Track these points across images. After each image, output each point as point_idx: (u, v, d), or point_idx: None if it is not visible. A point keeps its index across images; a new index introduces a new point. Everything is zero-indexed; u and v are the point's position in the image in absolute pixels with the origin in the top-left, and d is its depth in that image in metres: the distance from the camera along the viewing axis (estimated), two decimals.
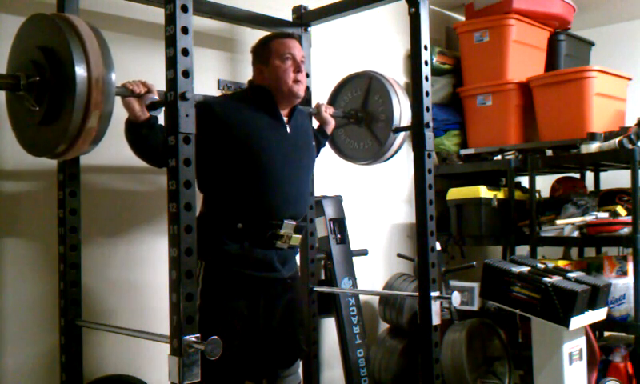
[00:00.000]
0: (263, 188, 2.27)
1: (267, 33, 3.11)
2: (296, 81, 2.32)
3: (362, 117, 2.96)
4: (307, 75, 3.08)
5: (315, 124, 2.86)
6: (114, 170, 2.63)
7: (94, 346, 2.49)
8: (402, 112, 2.83)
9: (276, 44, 2.34)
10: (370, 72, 2.96)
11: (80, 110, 1.77)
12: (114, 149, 2.43)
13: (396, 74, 4.05)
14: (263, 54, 2.35)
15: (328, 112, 2.84)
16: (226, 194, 2.26)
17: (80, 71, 1.75)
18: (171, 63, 1.81)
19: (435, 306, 2.44)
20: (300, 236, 2.34)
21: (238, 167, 2.25)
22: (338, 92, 3.06)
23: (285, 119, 2.37)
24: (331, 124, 2.86)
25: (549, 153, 3.80)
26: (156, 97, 2.07)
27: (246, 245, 2.23)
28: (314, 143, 2.60)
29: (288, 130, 2.37)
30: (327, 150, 3.48)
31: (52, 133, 1.85)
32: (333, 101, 3.07)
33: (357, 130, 3.00)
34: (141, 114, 2.05)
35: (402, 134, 2.87)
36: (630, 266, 3.31)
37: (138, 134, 2.08)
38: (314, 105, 2.90)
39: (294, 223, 2.31)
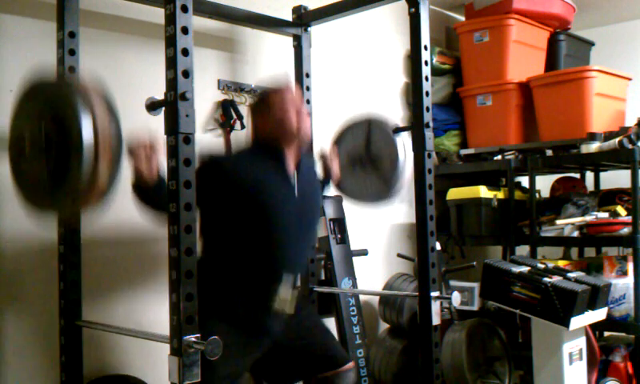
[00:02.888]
0: (268, 246, 2.22)
1: (267, 33, 3.15)
2: (301, 122, 2.27)
3: (366, 160, 2.86)
4: (307, 75, 3.08)
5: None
6: None
7: (94, 346, 2.49)
8: (406, 150, 2.75)
9: (273, 96, 2.29)
10: (368, 116, 2.87)
11: (88, 168, 1.68)
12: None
13: (396, 73, 4.05)
14: (263, 108, 2.30)
15: (333, 162, 2.75)
16: (230, 247, 2.20)
17: (87, 131, 1.67)
18: (171, 63, 1.81)
19: (435, 306, 2.44)
20: (295, 293, 2.30)
21: (245, 224, 2.19)
22: (340, 139, 2.94)
23: (292, 173, 2.30)
24: (336, 174, 2.77)
25: (549, 153, 3.80)
26: (161, 158, 1.95)
27: (241, 311, 2.17)
28: (320, 195, 2.55)
29: (295, 184, 2.30)
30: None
31: (60, 194, 1.77)
32: (335, 145, 2.94)
33: (362, 174, 2.90)
34: (150, 179, 1.97)
35: (407, 172, 2.74)
36: (630, 266, 3.31)
37: (148, 197, 2.02)
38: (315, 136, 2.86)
39: (292, 282, 2.27)
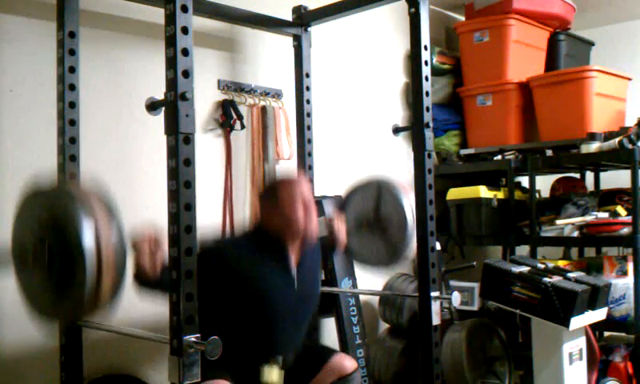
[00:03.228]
0: (262, 335, 2.24)
1: (267, 33, 3.15)
2: (308, 222, 2.26)
3: (374, 224, 2.79)
4: (307, 75, 3.08)
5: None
6: None
7: (94, 346, 2.48)
8: (414, 213, 2.68)
9: (283, 190, 2.26)
10: (377, 179, 2.79)
11: (92, 277, 1.65)
12: None
13: (396, 73, 4.05)
14: (271, 200, 2.27)
15: (340, 229, 2.67)
16: (224, 324, 2.15)
17: (88, 239, 1.64)
18: (171, 63, 1.81)
19: (435, 306, 2.44)
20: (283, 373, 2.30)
21: (239, 313, 2.20)
22: (348, 201, 2.89)
23: (294, 268, 2.30)
24: (342, 242, 2.70)
25: (549, 153, 3.80)
26: (165, 254, 1.91)
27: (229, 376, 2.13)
28: (320, 285, 2.54)
29: (296, 281, 2.29)
30: (327, 150, 3.48)
31: (65, 303, 1.74)
32: (342, 210, 2.89)
33: (370, 238, 2.84)
34: (152, 275, 1.94)
35: (413, 238, 2.67)
36: (630, 266, 3.31)
37: (148, 290, 2.01)
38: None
39: (281, 362, 2.27)
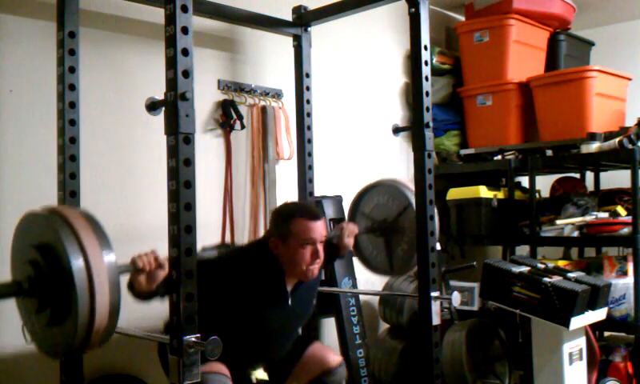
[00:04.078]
0: (250, 345, 2.29)
1: (267, 33, 3.15)
2: (311, 265, 2.25)
3: (390, 231, 2.80)
4: (307, 75, 3.08)
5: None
6: None
7: None
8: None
9: (298, 226, 2.22)
10: (406, 192, 2.73)
11: (85, 304, 1.62)
12: None
13: (395, 74, 4.05)
14: (283, 230, 2.24)
15: (351, 235, 2.67)
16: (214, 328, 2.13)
17: (77, 264, 1.61)
18: (171, 63, 1.81)
19: (435, 306, 2.44)
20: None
21: (230, 322, 2.21)
22: (362, 197, 2.90)
23: (289, 291, 2.31)
24: (348, 247, 2.70)
25: (549, 153, 3.80)
26: (166, 270, 1.90)
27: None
28: (313, 306, 2.55)
29: (290, 302, 2.31)
30: (327, 150, 3.49)
31: (61, 333, 1.70)
32: (355, 207, 2.92)
33: (380, 242, 2.86)
34: (147, 289, 1.92)
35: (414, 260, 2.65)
36: (630, 266, 3.31)
37: (139, 300, 2.00)
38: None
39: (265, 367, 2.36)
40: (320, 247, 2.25)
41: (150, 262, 1.86)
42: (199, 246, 1.93)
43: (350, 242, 2.66)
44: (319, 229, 2.24)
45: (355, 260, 3.38)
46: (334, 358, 2.46)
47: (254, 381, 2.37)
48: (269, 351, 2.39)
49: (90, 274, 1.62)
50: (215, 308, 2.15)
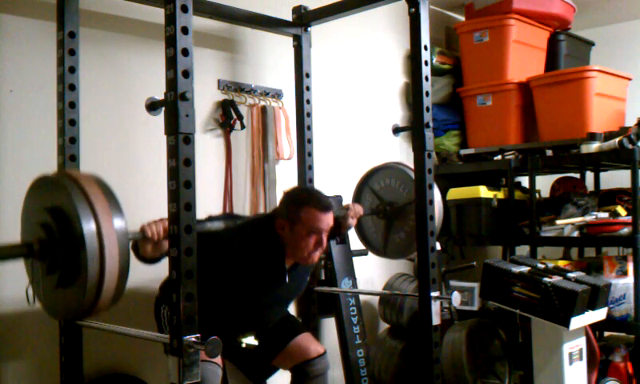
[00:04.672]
0: (244, 315, 2.36)
1: (267, 33, 3.15)
2: (314, 253, 2.31)
3: (389, 214, 2.84)
4: (307, 75, 3.08)
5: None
6: None
7: (94, 346, 2.49)
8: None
9: (308, 214, 2.28)
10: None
11: (95, 267, 1.67)
12: None
13: (396, 74, 4.05)
14: (292, 215, 2.29)
15: (355, 216, 2.74)
16: (208, 298, 2.18)
17: (89, 228, 1.66)
18: (171, 63, 1.81)
19: (435, 306, 2.44)
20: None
21: (228, 292, 2.28)
22: (374, 173, 2.92)
23: (286, 270, 2.37)
24: (350, 228, 2.79)
25: (549, 153, 3.80)
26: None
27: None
28: (305, 286, 2.61)
29: (287, 279, 2.37)
30: (327, 150, 3.49)
31: (70, 295, 1.75)
32: (366, 180, 2.95)
33: (379, 222, 2.90)
34: (151, 256, 2.01)
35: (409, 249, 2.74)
36: (630, 266, 3.31)
37: (143, 262, 2.07)
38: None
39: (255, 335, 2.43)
40: (324, 237, 2.31)
41: (158, 231, 1.95)
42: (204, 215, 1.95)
43: (353, 222, 2.75)
44: (327, 220, 2.31)
45: (355, 260, 3.39)
46: (316, 349, 2.54)
47: (244, 345, 2.44)
48: (261, 321, 2.47)
49: (100, 238, 1.67)
50: (215, 278, 2.20)
